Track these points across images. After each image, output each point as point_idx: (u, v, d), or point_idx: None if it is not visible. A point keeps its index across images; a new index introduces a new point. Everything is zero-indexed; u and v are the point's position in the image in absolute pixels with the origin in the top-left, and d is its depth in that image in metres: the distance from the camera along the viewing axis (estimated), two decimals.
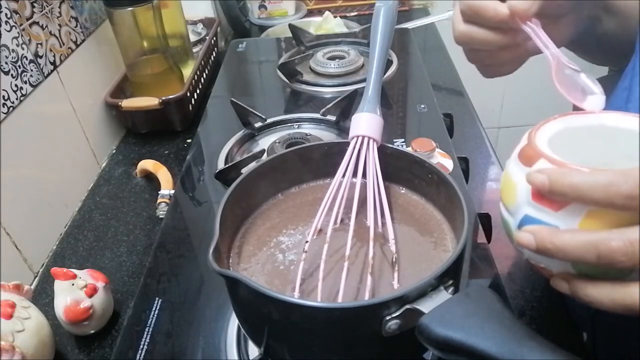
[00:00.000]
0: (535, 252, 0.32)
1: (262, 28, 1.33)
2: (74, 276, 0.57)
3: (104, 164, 0.90)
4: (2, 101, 0.65)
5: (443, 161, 0.68)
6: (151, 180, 0.84)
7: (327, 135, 0.79)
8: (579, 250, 0.30)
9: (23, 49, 0.71)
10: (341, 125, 0.80)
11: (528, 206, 0.34)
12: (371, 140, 0.47)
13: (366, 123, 0.48)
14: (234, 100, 0.80)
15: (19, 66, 0.70)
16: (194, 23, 1.20)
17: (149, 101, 0.89)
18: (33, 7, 0.74)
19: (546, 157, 0.34)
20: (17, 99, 0.68)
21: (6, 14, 0.68)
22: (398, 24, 0.56)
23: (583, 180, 0.30)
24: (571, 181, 0.31)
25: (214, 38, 1.15)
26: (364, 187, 0.47)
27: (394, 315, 0.34)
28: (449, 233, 0.46)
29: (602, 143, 0.37)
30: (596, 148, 0.36)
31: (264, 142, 0.79)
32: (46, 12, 0.78)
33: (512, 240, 0.37)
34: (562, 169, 0.32)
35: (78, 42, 0.86)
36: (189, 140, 0.91)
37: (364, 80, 0.52)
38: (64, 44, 0.82)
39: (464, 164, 0.72)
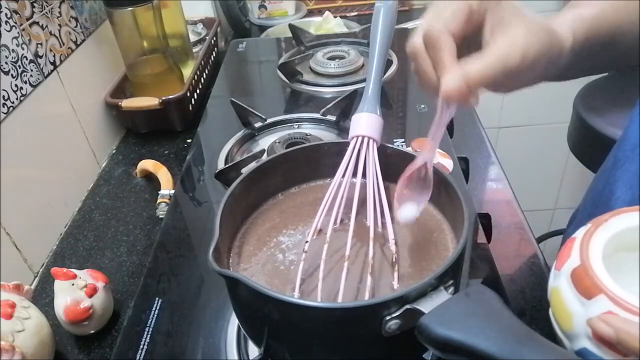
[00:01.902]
0: None
1: (262, 28, 1.33)
2: (74, 276, 0.57)
3: (104, 164, 0.90)
4: (2, 101, 0.65)
5: (443, 161, 0.68)
6: (151, 180, 0.84)
7: (327, 135, 0.79)
8: None
9: (23, 49, 0.71)
10: (341, 125, 0.80)
11: (588, 340, 0.33)
12: (371, 140, 0.47)
13: (366, 123, 0.48)
14: (234, 100, 0.80)
15: (19, 66, 0.70)
16: (194, 23, 1.20)
17: (149, 101, 0.89)
18: (33, 7, 0.74)
19: (607, 295, 0.31)
20: (17, 99, 0.68)
21: (6, 14, 0.68)
22: (398, 24, 0.56)
23: None
24: None
25: (214, 38, 1.15)
26: (363, 187, 0.47)
27: (394, 315, 0.34)
28: (449, 233, 0.46)
29: None
30: None
31: (264, 142, 0.79)
32: (46, 12, 0.77)
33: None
34: (632, 327, 0.30)
35: (78, 42, 0.86)
36: (189, 140, 0.91)
37: (364, 80, 0.52)
38: (64, 44, 0.82)
39: (464, 164, 0.72)
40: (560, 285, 0.35)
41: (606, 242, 0.35)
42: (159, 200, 0.75)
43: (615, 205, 0.50)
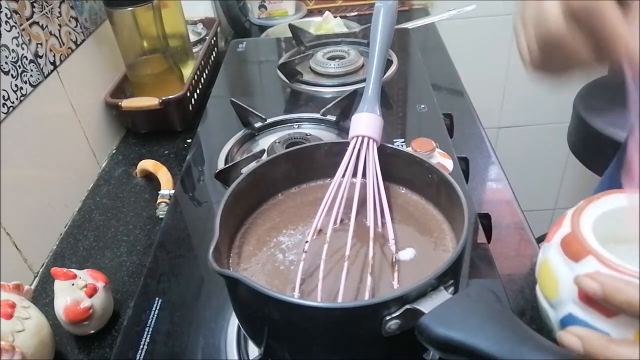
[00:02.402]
0: (582, 356, 0.30)
1: (262, 28, 1.33)
2: (74, 276, 0.57)
3: (104, 164, 0.90)
4: (2, 101, 0.65)
5: (443, 161, 0.68)
6: (151, 180, 0.84)
7: (327, 135, 0.79)
8: None
9: (23, 49, 0.71)
10: (341, 125, 0.80)
11: (574, 305, 0.32)
12: (371, 140, 0.47)
13: (366, 123, 0.48)
14: (234, 100, 0.80)
15: (19, 66, 0.70)
16: (194, 23, 1.20)
17: (149, 101, 0.89)
18: (33, 7, 0.74)
19: (596, 255, 0.31)
20: (17, 99, 0.68)
21: (6, 14, 0.68)
22: (398, 24, 0.56)
23: None
24: (628, 297, 0.28)
25: (214, 38, 1.15)
26: (364, 187, 0.47)
27: (394, 315, 0.34)
28: (449, 233, 0.46)
29: None
30: None
31: (264, 142, 0.79)
32: (46, 12, 0.77)
33: (550, 330, 0.35)
34: (619, 282, 0.29)
35: (78, 42, 0.86)
36: (189, 140, 0.91)
37: (364, 80, 0.52)
38: (64, 44, 0.82)
39: (464, 164, 0.72)
40: (549, 254, 0.36)
41: (597, 217, 0.35)
42: (159, 200, 0.75)
43: None
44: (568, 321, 0.33)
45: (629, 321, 0.30)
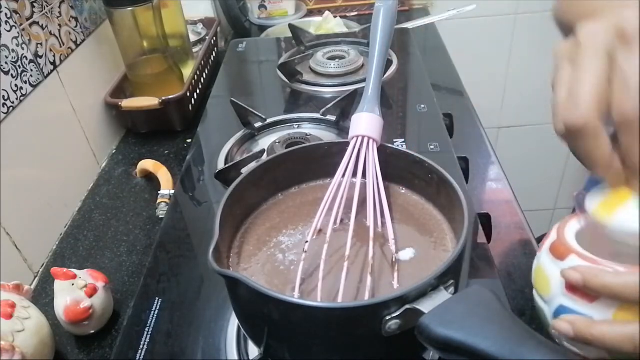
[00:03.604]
0: (573, 340, 0.35)
1: (262, 28, 1.33)
2: (74, 276, 0.57)
3: (104, 164, 0.90)
4: (2, 101, 0.65)
5: None
6: (151, 180, 0.84)
7: (327, 135, 0.79)
8: (617, 341, 0.33)
9: (23, 49, 0.71)
10: (341, 125, 0.80)
11: (563, 297, 0.38)
12: (371, 140, 0.47)
13: (366, 123, 0.48)
14: (234, 100, 0.80)
15: (19, 66, 0.70)
16: (194, 23, 1.20)
17: (149, 101, 0.89)
18: (33, 7, 0.74)
19: (577, 253, 0.37)
20: (17, 99, 0.68)
21: (6, 14, 0.68)
22: (398, 24, 0.56)
23: (615, 281, 0.34)
24: (604, 282, 0.34)
25: (214, 38, 1.15)
26: (364, 187, 0.47)
27: (394, 315, 0.34)
28: (449, 233, 0.46)
29: None
30: None
31: (264, 142, 0.79)
32: (46, 12, 0.78)
33: (545, 326, 0.40)
34: (595, 269, 0.35)
35: (78, 42, 0.86)
36: (189, 140, 0.91)
37: (364, 80, 0.52)
38: (64, 44, 0.82)
39: (464, 164, 0.72)
40: (540, 259, 0.41)
41: (579, 229, 0.40)
42: (159, 200, 0.75)
43: None
44: (559, 312, 0.38)
45: (607, 304, 0.35)
